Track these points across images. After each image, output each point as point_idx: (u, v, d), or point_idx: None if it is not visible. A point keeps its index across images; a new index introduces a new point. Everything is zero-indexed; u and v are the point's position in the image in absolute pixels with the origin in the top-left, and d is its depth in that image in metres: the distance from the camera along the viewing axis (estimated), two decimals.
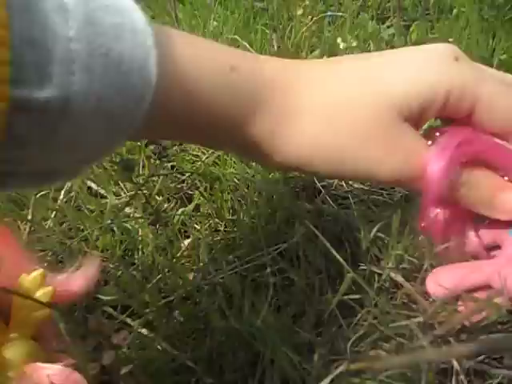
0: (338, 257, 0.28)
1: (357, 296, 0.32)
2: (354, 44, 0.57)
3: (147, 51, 0.20)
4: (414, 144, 0.26)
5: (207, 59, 0.24)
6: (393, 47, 0.58)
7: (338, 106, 0.26)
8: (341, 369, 0.23)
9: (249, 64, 0.25)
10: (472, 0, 0.61)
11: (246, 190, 0.46)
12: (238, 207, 0.45)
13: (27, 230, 0.44)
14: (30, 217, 0.44)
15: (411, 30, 0.60)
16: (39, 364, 0.26)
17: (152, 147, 0.59)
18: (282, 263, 0.35)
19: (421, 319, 0.26)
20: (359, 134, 0.26)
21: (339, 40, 0.59)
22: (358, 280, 0.30)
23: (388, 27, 0.70)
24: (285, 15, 0.68)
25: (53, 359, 0.26)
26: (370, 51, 0.60)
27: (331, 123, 0.26)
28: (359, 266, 0.35)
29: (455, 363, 0.27)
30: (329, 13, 0.62)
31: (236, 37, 0.62)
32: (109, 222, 0.44)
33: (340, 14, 0.65)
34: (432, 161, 0.25)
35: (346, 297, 0.32)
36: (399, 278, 0.31)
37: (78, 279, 0.31)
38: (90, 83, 0.18)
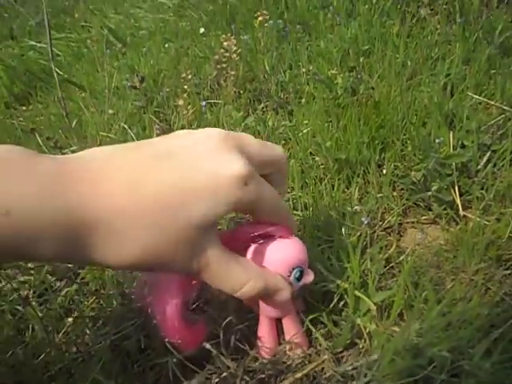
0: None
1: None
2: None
3: None
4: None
5: None
6: (257, 132, 0.69)
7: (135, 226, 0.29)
8: None
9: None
10: (321, 89, 0.75)
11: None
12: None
13: None
14: None
15: (268, 117, 0.72)
16: None
17: None
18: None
19: None
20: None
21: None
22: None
23: (262, 108, 0.82)
24: (171, 104, 0.78)
25: None
26: None
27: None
28: None
29: None
30: (203, 102, 0.73)
31: (125, 125, 0.71)
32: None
33: (215, 101, 0.76)
34: None
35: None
36: None
37: None
38: None
